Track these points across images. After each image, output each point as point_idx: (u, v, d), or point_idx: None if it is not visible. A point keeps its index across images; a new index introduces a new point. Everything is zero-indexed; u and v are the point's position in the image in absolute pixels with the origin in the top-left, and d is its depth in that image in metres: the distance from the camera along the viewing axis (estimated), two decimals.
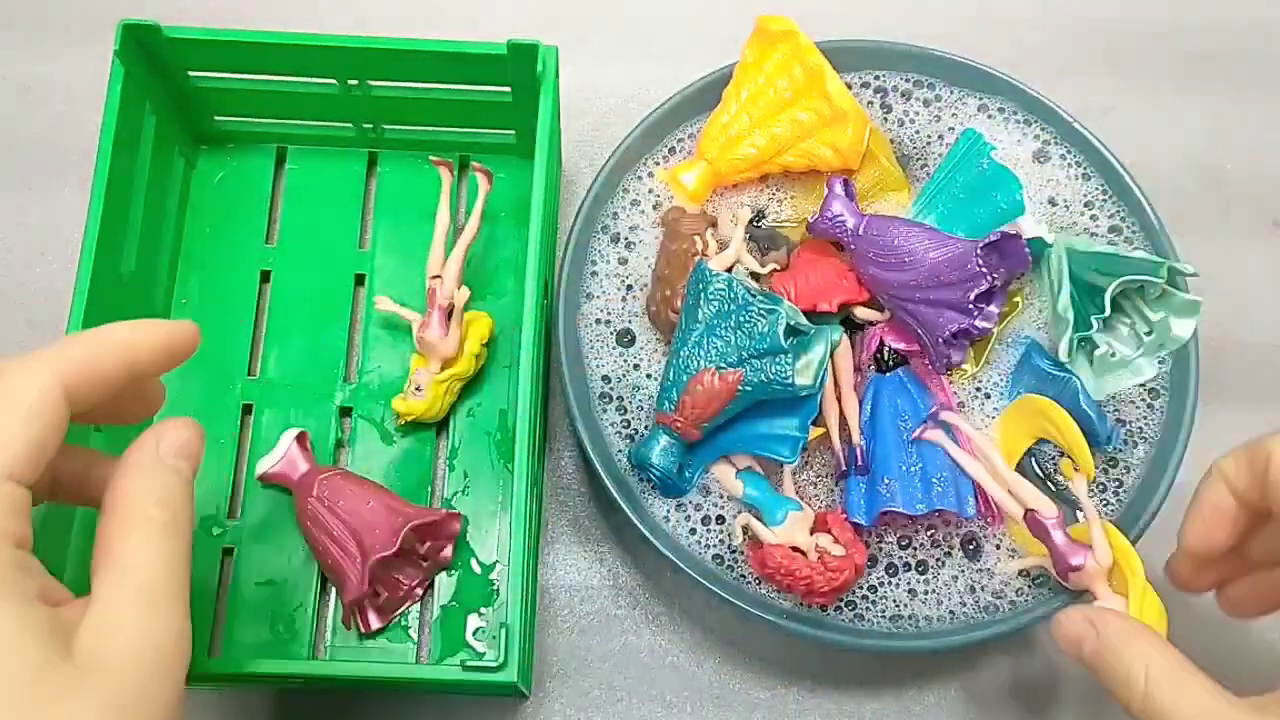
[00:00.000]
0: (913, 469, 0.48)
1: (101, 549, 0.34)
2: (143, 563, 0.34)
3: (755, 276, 0.51)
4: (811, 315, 0.49)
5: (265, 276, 0.56)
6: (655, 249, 0.53)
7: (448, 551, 0.51)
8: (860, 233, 0.48)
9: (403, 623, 0.50)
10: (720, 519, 0.50)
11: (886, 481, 0.48)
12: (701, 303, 0.47)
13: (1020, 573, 0.49)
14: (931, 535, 0.50)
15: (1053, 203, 0.54)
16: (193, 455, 0.37)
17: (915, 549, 0.49)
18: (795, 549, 0.47)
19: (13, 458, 0.32)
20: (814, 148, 0.51)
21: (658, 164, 0.54)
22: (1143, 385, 0.51)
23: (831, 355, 0.47)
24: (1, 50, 0.61)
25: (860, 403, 0.50)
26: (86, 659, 0.31)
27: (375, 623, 0.50)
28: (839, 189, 0.49)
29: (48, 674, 0.30)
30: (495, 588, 0.51)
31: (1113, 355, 0.48)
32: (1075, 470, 0.47)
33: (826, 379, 0.47)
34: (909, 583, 0.49)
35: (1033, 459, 0.50)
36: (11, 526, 0.32)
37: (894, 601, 0.49)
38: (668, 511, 0.50)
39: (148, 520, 0.34)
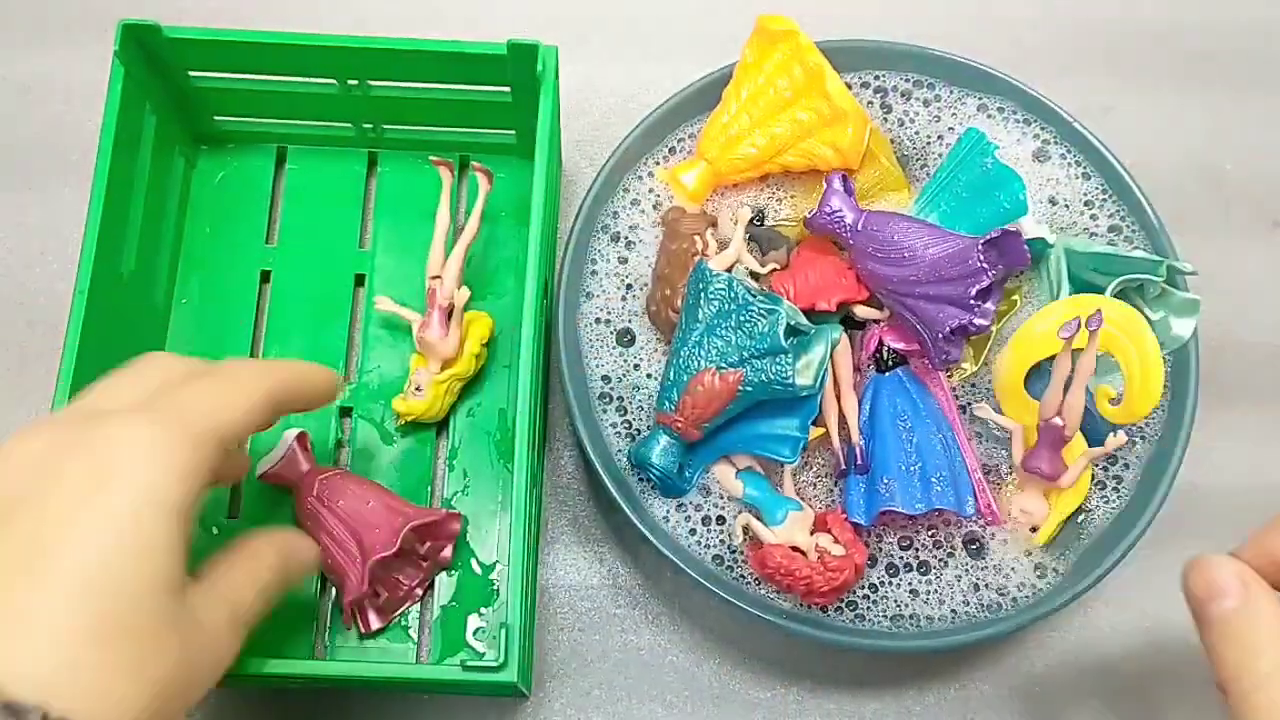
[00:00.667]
0: (912, 468, 0.48)
1: (232, 557, 0.41)
2: (246, 597, 0.40)
3: (755, 276, 0.51)
4: (810, 314, 0.49)
5: (265, 276, 0.56)
6: (655, 249, 0.53)
7: (448, 552, 0.51)
8: (859, 228, 0.48)
9: (403, 623, 0.50)
10: (720, 519, 0.50)
11: (885, 481, 0.48)
12: (702, 302, 0.47)
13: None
14: (933, 535, 0.50)
15: (1053, 202, 0.54)
16: (307, 568, 0.45)
17: (917, 549, 0.49)
18: (795, 549, 0.47)
19: (230, 426, 0.38)
20: (814, 147, 0.51)
21: (658, 164, 0.54)
22: None
23: (831, 355, 0.47)
24: (1, 50, 0.61)
25: (860, 402, 0.50)
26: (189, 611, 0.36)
27: (375, 623, 0.50)
28: (837, 184, 0.49)
29: (177, 599, 0.35)
30: (495, 588, 0.51)
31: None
32: (1113, 404, 0.47)
33: (826, 379, 0.47)
34: (910, 583, 0.49)
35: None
36: (212, 470, 0.37)
37: (895, 601, 0.49)
38: (668, 511, 0.50)
39: (268, 568, 0.41)
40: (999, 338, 0.51)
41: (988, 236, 0.45)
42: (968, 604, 0.49)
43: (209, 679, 0.38)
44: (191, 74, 0.53)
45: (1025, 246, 0.45)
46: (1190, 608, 0.38)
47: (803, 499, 0.49)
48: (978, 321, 0.46)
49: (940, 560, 0.49)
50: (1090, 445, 0.48)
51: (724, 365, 0.46)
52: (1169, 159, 0.61)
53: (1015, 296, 0.52)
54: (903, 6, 0.64)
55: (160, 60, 0.51)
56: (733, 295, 0.47)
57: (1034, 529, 0.49)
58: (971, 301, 0.45)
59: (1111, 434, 0.47)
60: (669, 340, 0.50)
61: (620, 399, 0.51)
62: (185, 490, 0.35)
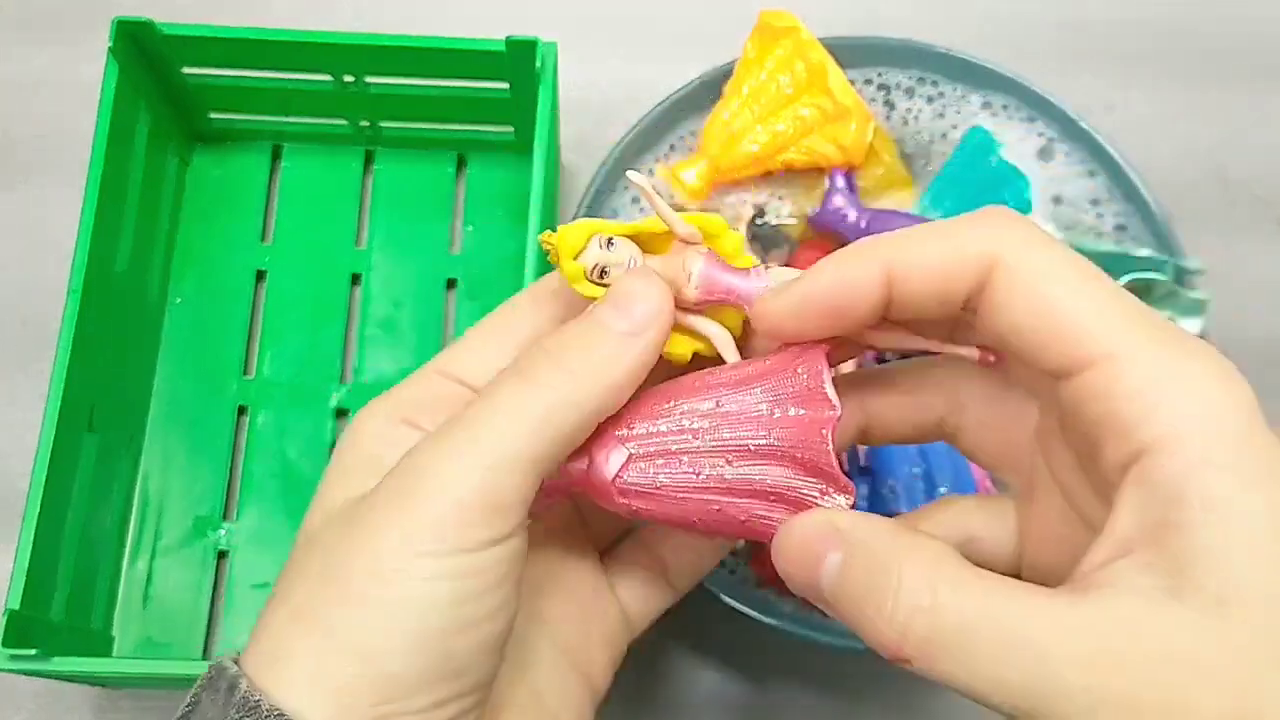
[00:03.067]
0: (914, 471, 0.47)
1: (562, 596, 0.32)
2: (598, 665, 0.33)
3: None
4: None
5: (260, 275, 0.56)
6: None
7: None
8: (863, 226, 0.48)
9: None
10: None
11: (890, 484, 0.47)
12: None
13: None
14: None
15: (1057, 201, 0.53)
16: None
17: None
18: None
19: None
20: (817, 144, 0.50)
21: (658, 161, 0.54)
22: None
23: None
24: None
25: None
26: None
27: None
28: (840, 182, 0.49)
29: None
30: None
31: None
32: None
33: None
34: None
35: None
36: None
37: None
38: None
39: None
40: None
41: None
42: None
43: None
44: (186, 70, 0.52)
45: None
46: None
47: None
48: None
49: None
50: None
51: None
52: (1174, 156, 0.60)
53: None
54: (905, 3, 0.64)
55: (155, 57, 0.51)
56: None
57: None
58: None
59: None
60: None
61: None
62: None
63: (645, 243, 0.30)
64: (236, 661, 0.26)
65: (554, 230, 0.29)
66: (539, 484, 0.26)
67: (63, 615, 0.45)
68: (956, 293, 0.25)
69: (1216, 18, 0.64)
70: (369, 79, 0.52)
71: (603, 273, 0.29)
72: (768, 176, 0.53)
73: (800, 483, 0.27)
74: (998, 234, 0.25)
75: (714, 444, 0.28)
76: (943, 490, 0.47)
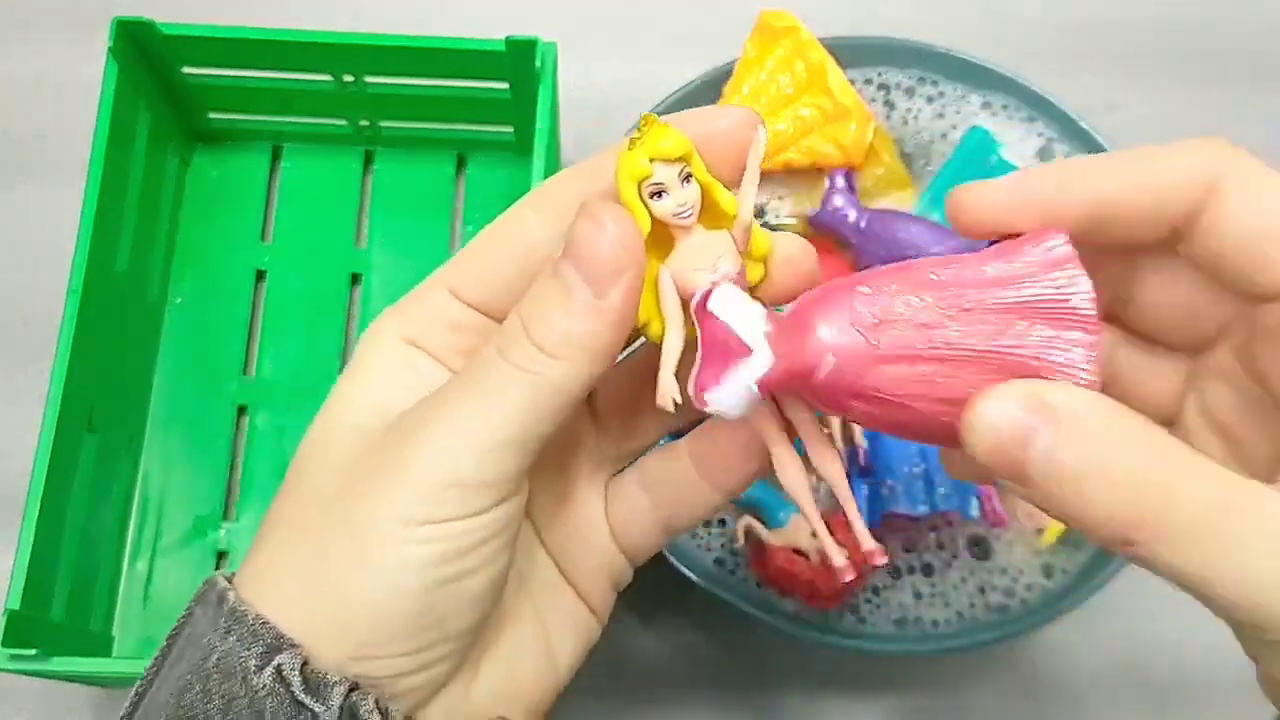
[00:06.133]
0: (915, 471, 0.47)
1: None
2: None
3: None
4: None
5: (260, 275, 0.55)
6: None
7: None
8: (863, 226, 0.48)
9: None
10: (721, 521, 0.49)
11: (889, 484, 0.47)
12: None
13: None
14: (936, 537, 0.49)
15: None
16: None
17: (920, 551, 0.49)
18: (797, 551, 0.46)
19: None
20: (817, 144, 0.50)
21: None
22: None
23: None
24: None
25: None
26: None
27: None
28: (840, 182, 0.49)
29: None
30: None
31: None
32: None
33: None
34: (914, 585, 0.48)
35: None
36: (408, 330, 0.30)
37: (899, 604, 0.48)
38: None
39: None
40: None
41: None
42: (974, 606, 0.48)
43: None
44: (186, 70, 0.52)
45: None
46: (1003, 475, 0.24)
47: None
48: None
49: (945, 562, 0.49)
50: None
51: None
52: None
53: None
54: (905, 3, 0.64)
55: (155, 57, 0.51)
56: None
57: (1039, 530, 0.48)
58: None
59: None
60: None
61: None
62: None
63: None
64: (229, 579, 0.28)
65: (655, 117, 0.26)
66: (533, 455, 0.27)
67: (63, 615, 0.45)
68: (1175, 209, 0.25)
69: (1216, 18, 0.64)
70: (369, 79, 0.52)
71: (658, 194, 0.26)
72: (768, 176, 0.53)
73: (1039, 339, 0.24)
74: (1220, 155, 0.25)
75: (949, 306, 0.24)
76: (942, 491, 0.47)
